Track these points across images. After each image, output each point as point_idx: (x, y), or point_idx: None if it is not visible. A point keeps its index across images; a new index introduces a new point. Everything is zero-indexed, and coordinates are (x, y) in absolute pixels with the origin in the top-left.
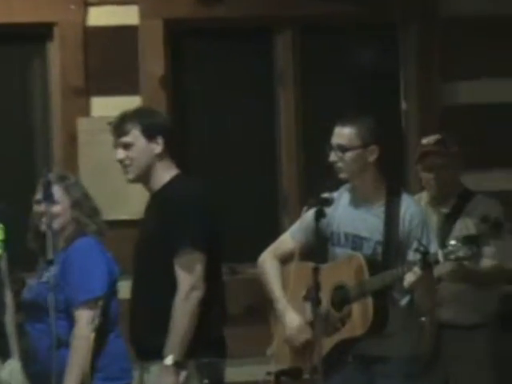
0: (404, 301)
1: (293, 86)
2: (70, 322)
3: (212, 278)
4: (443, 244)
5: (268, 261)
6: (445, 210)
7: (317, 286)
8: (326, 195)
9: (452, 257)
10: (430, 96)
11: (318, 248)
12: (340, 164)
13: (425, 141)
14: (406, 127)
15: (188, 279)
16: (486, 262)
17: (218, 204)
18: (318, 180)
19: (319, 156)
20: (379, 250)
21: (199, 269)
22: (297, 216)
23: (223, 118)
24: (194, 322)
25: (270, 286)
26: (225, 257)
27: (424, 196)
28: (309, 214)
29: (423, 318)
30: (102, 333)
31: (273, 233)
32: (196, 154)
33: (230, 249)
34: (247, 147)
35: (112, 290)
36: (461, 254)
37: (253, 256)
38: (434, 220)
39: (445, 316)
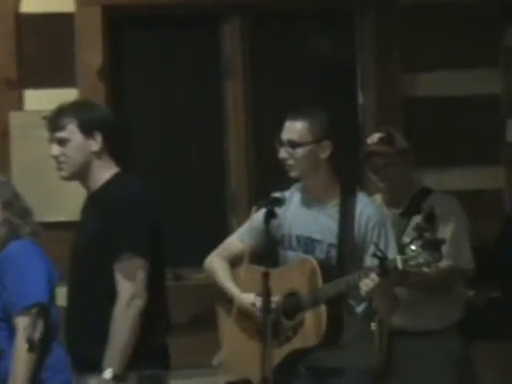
0: (360, 308)
1: (242, 77)
2: (11, 330)
3: (154, 285)
4: (400, 247)
5: (216, 261)
6: (397, 211)
7: (267, 293)
8: (276, 195)
9: (412, 263)
10: (388, 88)
11: (268, 251)
12: (290, 161)
13: (369, 140)
14: (362, 121)
15: (129, 287)
16: (442, 263)
17: (160, 205)
18: (269, 178)
19: (270, 153)
20: (333, 253)
21: (141, 276)
22: (246, 217)
23: (166, 112)
24: (136, 332)
25: (221, 280)
26: (168, 261)
27: (378, 197)
28: (258, 215)
29: (373, 326)
30: (44, 342)
31: (220, 235)
32: (137, 151)
33: (174, 253)
34: (192, 143)
35: (51, 296)
36: (421, 260)
37: (199, 260)
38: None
39: (397, 322)
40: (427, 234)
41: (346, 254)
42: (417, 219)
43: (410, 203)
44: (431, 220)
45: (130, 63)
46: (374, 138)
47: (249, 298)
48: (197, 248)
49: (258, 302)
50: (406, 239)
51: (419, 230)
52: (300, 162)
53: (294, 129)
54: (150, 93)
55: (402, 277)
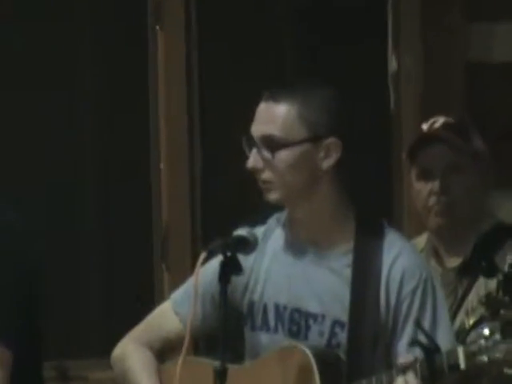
0: None
1: (178, 24)
2: None
3: None
4: (460, 331)
5: (132, 350)
6: (451, 264)
7: None
8: (241, 232)
9: (483, 359)
10: (442, 48)
11: (224, 333)
12: (268, 173)
13: (425, 125)
14: (396, 105)
15: None
16: None
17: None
18: (227, 203)
19: (229, 158)
20: (341, 337)
21: (1, 375)
22: (186, 272)
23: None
24: None
25: (132, 371)
26: (49, 351)
27: (421, 240)
28: (209, 269)
29: None
30: None
31: (140, 304)
32: None
33: (60, 337)
34: (88, 141)
35: None
36: (499, 354)
37: (100, 349)
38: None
39: None
40: (508, 312)
41: (363, 339)
42: (488, 283)
43: (475, 251)
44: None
45: None
46: (437, 121)
47: None
48: (98, 328)
49: None
50: (469, 318)
51: (493, 303)
52: (284, 174)
53: (275, 117)
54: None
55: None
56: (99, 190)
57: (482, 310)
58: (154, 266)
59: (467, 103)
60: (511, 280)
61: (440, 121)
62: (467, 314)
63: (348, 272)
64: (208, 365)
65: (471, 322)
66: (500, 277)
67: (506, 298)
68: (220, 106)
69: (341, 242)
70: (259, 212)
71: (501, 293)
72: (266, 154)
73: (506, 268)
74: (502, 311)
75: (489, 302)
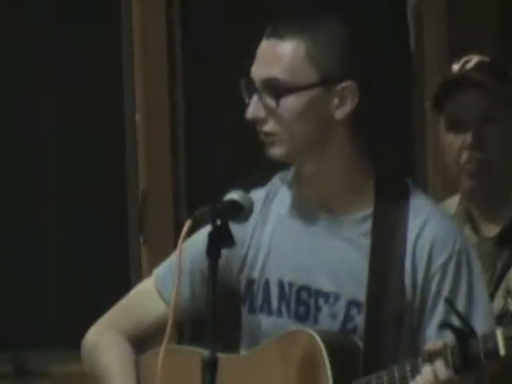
0: None
1: None
2: None
3: None
4: (501, 312)
5: (106, 338)
6: (490, 233)
7: None
8: (233, 197)
9: None
10: None
11: (213, 316)
12: (271, 124)
13: (456, 66)
14: (417, 45)
15: None
16: None
17: None
18: (215, 167)
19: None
20: (358, 320)
21: None
22: (167, 244)
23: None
24: None
25: (110, 376)
26: (3, 341)
27: (453, 201)
28: (198, 240)
29: None
30: None
31: (114, 283)
32: None
33: (15, 325)
34: (58, 110)
35: None
36: None
37: (63, 338)
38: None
39: None
40: None
41: (384, 323)
42: None
43: None
44: None
45: None
46: (470, 61)
47: None
48: (60, 314)
49: None
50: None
51: None
52: (291, 125)
53: (279, 56)
54: None
55: (504, 372)
56: (63, 154)
57: None
58: (130, 239)
59: (504, 39)
60: None
61: (473, 60)
62: (509, 293)
63: (366, 242)
64: (195, 354)
65: None
66: None
67: None
68: (207, 48)
69: (358, 206)
70: (257, 174)
71: None
72: (269, 101)
73: None
74: None
75: None
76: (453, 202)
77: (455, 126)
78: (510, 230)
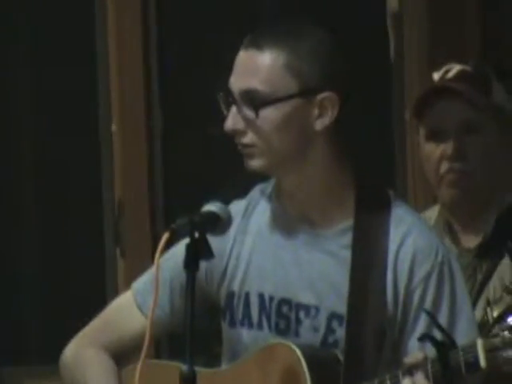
0: None
1: None
2: None
3: None
4: (482, 323)
5: (89, 357)
6: (470, 244)
7: None
8: (211, 208)
9: (507, 355)
10: None
11: (191, 329)
12: (250, 136)
13: (436, 75)
14: (396, 53)
15: None
16: None
17: None
18: (192, 177)
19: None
20: (338, 334)
21: None
22: (145, 256)
23: None
24: None
25: (87, 375)
26: None
27: (433, 212)
28: (176, 253)
29: None
30: None
31: (92, 295)
32: None
33: None
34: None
35: None
36: None
37: (44, 351)
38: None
39: None
40: None
41: (366, 336)
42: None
43: (497, 228)
44: None
45: None
46: (451, 70)
47: None
48: (38, 329)
49: None
50: (493, 309)
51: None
52: (270, 137)
53: (258, 67)
54: None
55: None
56: (39, 169)
57: (508, 299)
58: (106, 251)
59: (485, 46)
60: None
61: (454, 69)
62: (489, 304)
63: (347, 254)
64: (174, 369)
65: (495, 314)
66: None
67: None
68: (183, 60)
69: (338, 217)
70: (235, 185)
71: None
72: (248, 112)
73: None
74: None
75: None
76: (432, 213)
77: (435, 135)
78: (489, 242)
